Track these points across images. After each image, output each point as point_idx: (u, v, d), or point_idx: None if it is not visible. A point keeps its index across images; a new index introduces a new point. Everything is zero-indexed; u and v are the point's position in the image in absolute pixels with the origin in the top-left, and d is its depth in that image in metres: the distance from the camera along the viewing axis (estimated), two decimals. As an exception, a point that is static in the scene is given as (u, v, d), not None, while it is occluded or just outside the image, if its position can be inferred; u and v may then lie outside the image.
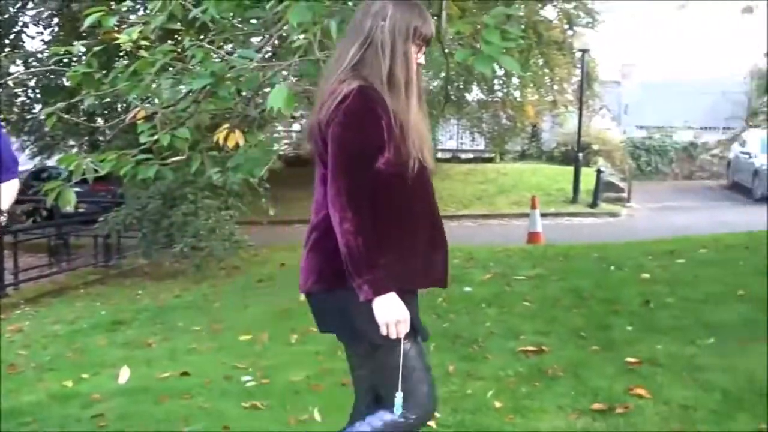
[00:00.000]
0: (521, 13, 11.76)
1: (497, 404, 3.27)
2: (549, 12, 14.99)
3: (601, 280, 5.79)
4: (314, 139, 1.92)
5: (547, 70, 15.76)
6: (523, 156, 21.00)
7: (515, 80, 16.35)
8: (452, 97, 16.94)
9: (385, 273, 1.82)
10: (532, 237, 9.33)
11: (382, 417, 1.99)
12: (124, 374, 3.97)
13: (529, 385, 3.53)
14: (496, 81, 16.71)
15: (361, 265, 1.80)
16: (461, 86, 16.97)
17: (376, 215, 1.84)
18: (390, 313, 1.81)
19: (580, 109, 14.90)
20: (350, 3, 3.35)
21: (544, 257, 7.21)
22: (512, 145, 20.68)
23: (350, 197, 1.81)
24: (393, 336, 1.83)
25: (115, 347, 5.06)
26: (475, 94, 18.50)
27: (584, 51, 13.99)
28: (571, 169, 14.99)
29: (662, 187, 19.43)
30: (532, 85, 16.10)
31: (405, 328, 1.84)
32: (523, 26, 12.96)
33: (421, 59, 1.98)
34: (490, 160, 20.36)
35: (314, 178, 1.99)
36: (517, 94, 17.03)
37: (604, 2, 14.93)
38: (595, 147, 18.60)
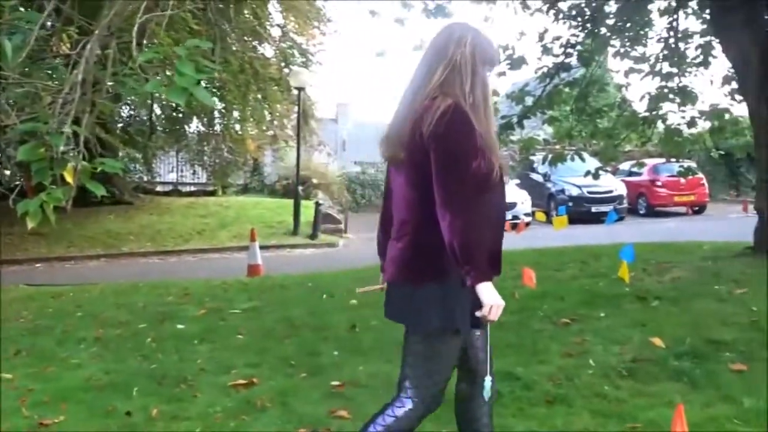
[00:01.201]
0: (235, 47, 11.90)
1: (202, 443, 3.17)
2: (267, 50, 15.41)
3: (313, 308, 6.00)
4: (407, 147, 2.17)
5: (266, 106, 16.08)
6: (245, 189, 21.07)
7: (236, 114, 16.40)
8: (165, 128, 16.42)
9: (488, 262, 2.10)
10: (252, 269, 9.35)
11: (406, 411, 2.27)
12: None
13: (237, 420, 3.49)
14: (216, 114, 16.57)
15: (471, 256, 2.03)
16: (180, 117, 16.54)
17: (477, 213, 2.09)
18: (493, 296, 2.04)
19: (298, 144, 15.43)
20: (26, 24, 3.04)
21: (261, 289, 7.26)
22: (235, 178, 20.63)
23: (459, 198, 2.07)
24: (493, 318, 2.05)
25: None
26: (195, 126, 18.15)
27: (300, 89, 14.57)
28: (292, 202, 15.40)
29: (375, 218, 20.75)
30: (252, 119, 16.27)
31: (499, 313, 2.05)
32: (240, 62, 13.13)
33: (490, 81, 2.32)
34: (212, 193, 20.04)
35: None
36: (237, 127, 17.06)
37: (318, 45, 15.77)
38: (315, 181, 19.39)
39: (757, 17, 6.07)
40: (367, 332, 5.06)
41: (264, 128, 17.30)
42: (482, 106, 2.19)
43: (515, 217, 15.22)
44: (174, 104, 13.56)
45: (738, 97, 7.59)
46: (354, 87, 52.08)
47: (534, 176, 18.86)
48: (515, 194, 17.40)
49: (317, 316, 5.65)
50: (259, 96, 15.29)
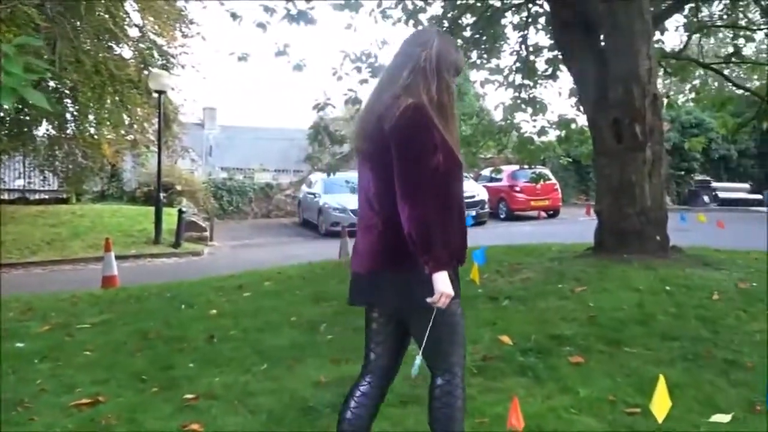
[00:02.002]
0: (87, 47, 11.23)
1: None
2: (125, 51, 14.65)
3: (170, 319, 5.77)
4: (372, 141, 2.35)
5: (125, 109, 15.27)
6: (102, 197, 19.92)
7: (91, 117, 15.43)
8: (10, 131, 15.20)
9: (446, 253, 2.25)
10: (107, 281, 8.84)
11: (444, 385, 2.39)
12: None
13: (78, 441, 3.28)
14: (68, 116, 15.52)
15: (428, 245, 2.20)
16: (27, 119, 15.37)
17: (435, 205, 2.24)
18: (446, 285, 2.20)
19: (159, 150, 14.80)
20: None
21: (114, 301, 6.88)
22: (90, 185, 19.43)
23: (419, 189, 2.23)
24: (440, 305, 2.22)
25: None
26: (45, 129, 16.90)
27: (160, 92, 13.97)
28: (153, 209, 14.75)
29: (243, 226, 20.55)
30: (109, 123, 15.39)
31: (447, 301, 2.22)
32: (94, 62, 12.41)
33: (454, 86, 2.47)
34: (65, 201, 18.77)
35: None
36: (93, 131, 16.05)
37: (180, 47, 15.19)
38: (179, 187, 18.72)
39: (592, 35, 6.57)
40: (226, 342, 4.94)
41: (123, 132, 16.42)
42: (448, 109, 2.36)
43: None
44: (19, 105, 12.58)
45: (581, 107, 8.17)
46: (221, 91, 50.96)
47: (401, 182, 19.25)
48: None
49: (173, 328, 5.44)
50: (117, 98, 14.48)
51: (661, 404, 2.60)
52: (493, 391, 3.66)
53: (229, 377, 4.14)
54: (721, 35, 11.91)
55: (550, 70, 9.08)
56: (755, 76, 10.67)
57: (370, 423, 2.50)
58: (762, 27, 8.90)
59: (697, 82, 10.78)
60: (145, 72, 14.38)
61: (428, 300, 2.21)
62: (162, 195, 14.84)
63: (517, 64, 9.15)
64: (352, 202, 16.18)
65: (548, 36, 9.00)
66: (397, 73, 2.38)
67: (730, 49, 9.43)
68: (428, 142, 2.26)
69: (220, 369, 4.34)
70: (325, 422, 3.39)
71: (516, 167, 16.28)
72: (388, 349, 2.51)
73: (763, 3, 7.80)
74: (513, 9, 8.94)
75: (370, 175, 2.40)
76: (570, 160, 17.57)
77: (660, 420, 2.67)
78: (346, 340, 4.84)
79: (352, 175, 12.13)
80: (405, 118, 2.25)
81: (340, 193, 16.26)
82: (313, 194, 18.76)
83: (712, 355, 3.97)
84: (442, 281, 2.21)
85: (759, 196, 23.20)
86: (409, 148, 2.25)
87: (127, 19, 13.91)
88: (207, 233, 15.89)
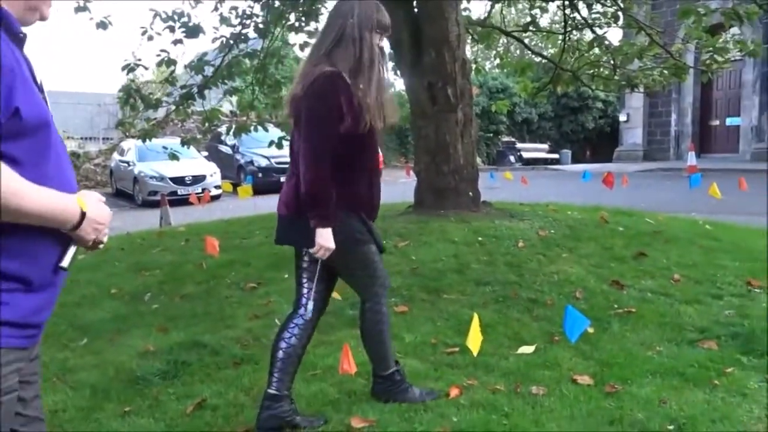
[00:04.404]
0: None
1: None
2: None
3: (-31, 301, 5.23)
4: (294, 107, 2.60)
5: None
6: None
7: None
8: None
9: (330, 212, 2.51)
10: None
11: (371, 308, 2.84)
12: None
13: None
14: None
15: (314, 203, 2.49)
16: None
17: (336, 165, 2.50)
18: (325, 240, 2.50)
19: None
20: None
21: None
22: None
23: (314, 154, 2.49)
24: (320, 257, 2.53)
25: None
26: None
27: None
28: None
29: None
30: None
31: (326, 255, 2.52)
32: None
33: (383, 43, 2.69)
34: None
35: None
36: None
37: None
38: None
39: (406, 2, 6.79)
40: None
41: None
42: (366, 68, 2.55)
43: (204, 190, 14.88)
44: None
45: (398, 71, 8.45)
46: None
47: (223, 148, 18.77)
48: (204, 167, 17.14)
49: (-26, 310, 4.95)
50: None
51: (475, 340, 2.86)
52: (325, 344, 3.78)
53: (45, 355, 3.86)
54: (520, 6, 12.83)
55: (367, 35, 9.24)
56: (550, 45, 11.64)
57: (302, 352, 2.79)
58: (554, -1, 9.71)
59: (501, 49, 11.57)
60: None
61: (310, 251, 2.53)
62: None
63: (336, 28, 9.21)
64: (169, 169, 15.45)
65: (365, 0, 9.14)
66: (322, 43, 2.63)
67: (528, 19, 10.21)
68: (331, 109, 2.48)
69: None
70: (155, 390, 3.32)
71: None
72: (317, 283, 2.75)
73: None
74: (329, -28, 8.95)
75: (297, 135, 2.67)
76: (389, 123, 18.10)
77: (475, 353, 2.94)
78: (173, 307, 4.72)
79: (170, 142, 11.61)
80: (315, 85, 2.48)
81: (156, 161, 15.45)
82: (127, 162, 17.67)
83: (519, 295, 4.40)
84: (321, 236, 2.50)
85: (556, 156, 25.63)
86: (312, 114, 2.50)
87: None
88: (5, 208, 14.40)
